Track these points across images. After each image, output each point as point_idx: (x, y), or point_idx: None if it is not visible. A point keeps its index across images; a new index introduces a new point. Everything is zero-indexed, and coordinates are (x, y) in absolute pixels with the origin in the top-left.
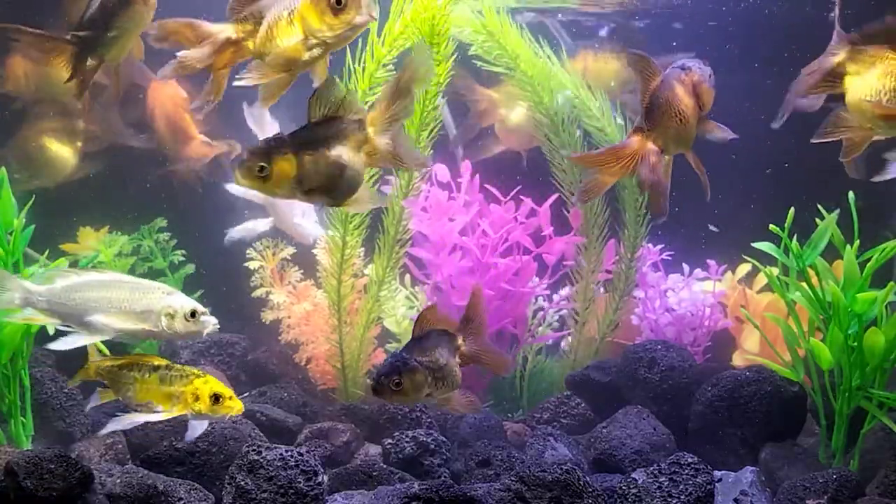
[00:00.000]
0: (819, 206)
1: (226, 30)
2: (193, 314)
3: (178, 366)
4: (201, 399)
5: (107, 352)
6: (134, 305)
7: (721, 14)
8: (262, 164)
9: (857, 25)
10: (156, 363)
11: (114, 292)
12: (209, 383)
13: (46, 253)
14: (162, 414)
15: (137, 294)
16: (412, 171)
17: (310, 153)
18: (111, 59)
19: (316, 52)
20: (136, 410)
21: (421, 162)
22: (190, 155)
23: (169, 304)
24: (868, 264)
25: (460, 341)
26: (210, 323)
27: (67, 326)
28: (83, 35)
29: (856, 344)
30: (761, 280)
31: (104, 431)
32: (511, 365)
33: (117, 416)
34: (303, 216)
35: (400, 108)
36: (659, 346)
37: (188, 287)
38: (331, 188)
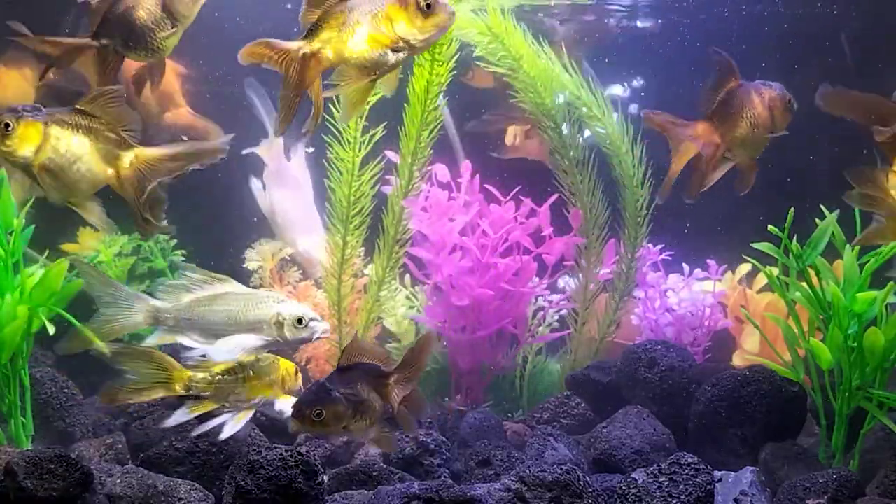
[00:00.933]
0: (821, 206)
1: (301, 45)
2: (300, 321)
3: (260, 356)
4: (291, 378)
5: (107, 351)
6: (247, 316)
7: (725, 16)
8: (8, 122)
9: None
10: (242, 362)
11: (231, 304)
12: (285, 362)
13: (46, 253)
14: (271, 398)
15: (250, 305)
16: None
17: (57, 130)
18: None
19: (402, 55)
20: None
21: (154, 225)
22: (174, 122)
23: (277, 311)
24: (868, 264)
25: (390, 381)
26: (319, 328)
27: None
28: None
29: (855, 344)
30: (761, 280)
31: (226, 434)
32: (414, 430)
33: (231, 414)
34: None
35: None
36: (659, 346)
37: None
38: (57, 175)
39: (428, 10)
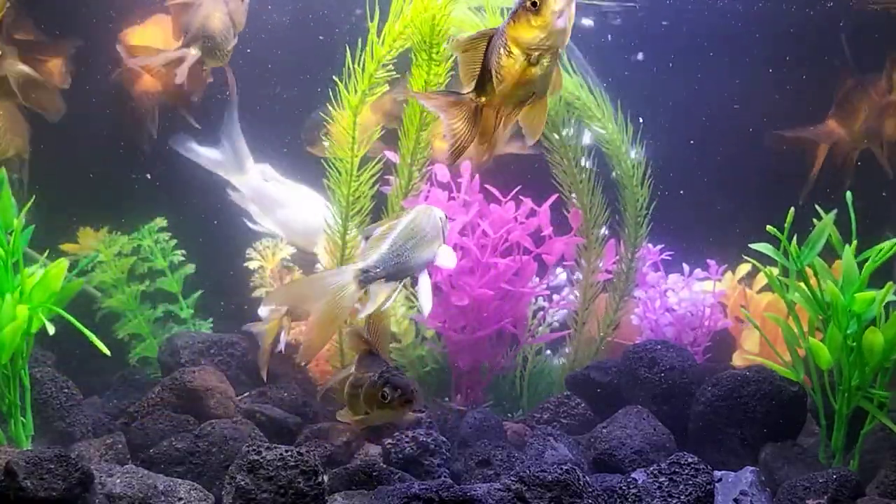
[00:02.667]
0: (817, 207)
1: (472, 98)
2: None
3: None
4: None
5: (107, 351)
6: (433, 232)
7: (727, 16)
8: None
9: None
10: None
11: (421, 231)
12: None
13: (46, 253)
14: None
15: (428, 221)
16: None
17: None
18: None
19: (545, 61)
20: None
21: None
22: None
23: (441, 216)
24: (867, 264)
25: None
26: None
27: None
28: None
29: (854, 344)
30: (761, 280)
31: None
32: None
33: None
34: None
35: None
36: (659, 346)
37: (189, 287)
38: None
39: (535, 8)
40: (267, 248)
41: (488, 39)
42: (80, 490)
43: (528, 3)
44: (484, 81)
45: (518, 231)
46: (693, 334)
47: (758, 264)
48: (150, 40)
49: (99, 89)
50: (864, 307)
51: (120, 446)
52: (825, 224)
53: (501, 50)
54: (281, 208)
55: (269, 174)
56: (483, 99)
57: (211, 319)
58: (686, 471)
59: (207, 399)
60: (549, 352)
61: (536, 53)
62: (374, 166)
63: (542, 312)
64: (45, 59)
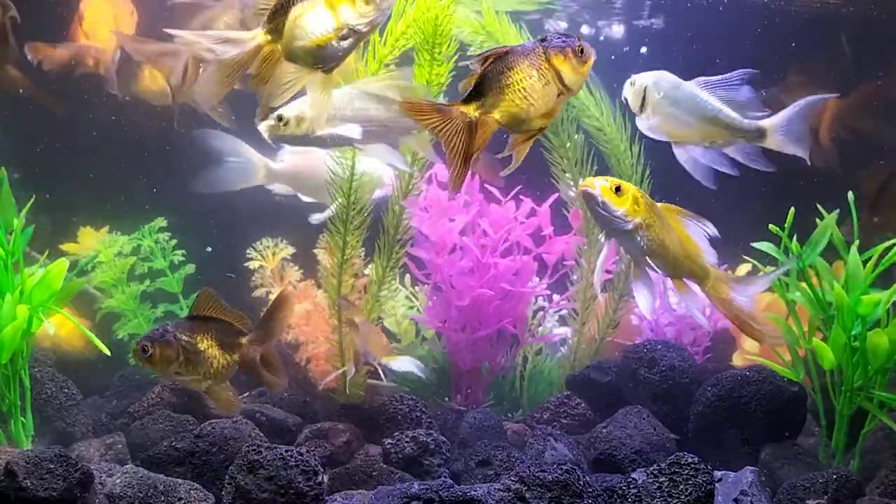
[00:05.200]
0: (819, 206)
1: (465, 111)
2: None
3: None
4: None
5: (107, 351)
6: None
7: (721, 14)
8: None
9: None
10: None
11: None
12: None
13: (46, 253)
14: None
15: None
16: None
17: None
18: None
19: (562, 99)
20: None
21: None
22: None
23: None
24: (870, 266)
25: (243, 340)
26: None
27: None
28: None
29: (858, 344)
30: None
31: None
32: (282, 387)
33: None
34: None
35: None
36: (659, 346)
37: (188, 287)
38: None
39: (583, 56)
40: (267, 248)
41: (499, 55)
42: (80, 490)
43: (578, 48)
44: (481, 94)
45: (518, 231)
46: (693, 334)
47: (758, 264)
48: (101, 17)
49: (98, 86)
50: (869, 309)
51: (120, 446)
52: (827, 224)
53: (535, 73)
54: (304, 177)
55: (284, 154)
56: (478, 113)
57: None
58: (686, 471)
59: (207, 399)
60: (558, 348)
61: (563, 91)
62: None
63: (542, 312)
64: None
